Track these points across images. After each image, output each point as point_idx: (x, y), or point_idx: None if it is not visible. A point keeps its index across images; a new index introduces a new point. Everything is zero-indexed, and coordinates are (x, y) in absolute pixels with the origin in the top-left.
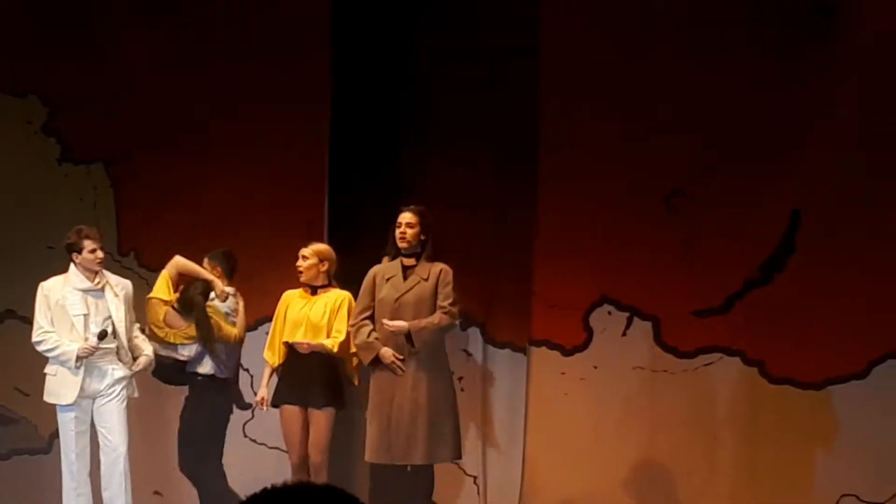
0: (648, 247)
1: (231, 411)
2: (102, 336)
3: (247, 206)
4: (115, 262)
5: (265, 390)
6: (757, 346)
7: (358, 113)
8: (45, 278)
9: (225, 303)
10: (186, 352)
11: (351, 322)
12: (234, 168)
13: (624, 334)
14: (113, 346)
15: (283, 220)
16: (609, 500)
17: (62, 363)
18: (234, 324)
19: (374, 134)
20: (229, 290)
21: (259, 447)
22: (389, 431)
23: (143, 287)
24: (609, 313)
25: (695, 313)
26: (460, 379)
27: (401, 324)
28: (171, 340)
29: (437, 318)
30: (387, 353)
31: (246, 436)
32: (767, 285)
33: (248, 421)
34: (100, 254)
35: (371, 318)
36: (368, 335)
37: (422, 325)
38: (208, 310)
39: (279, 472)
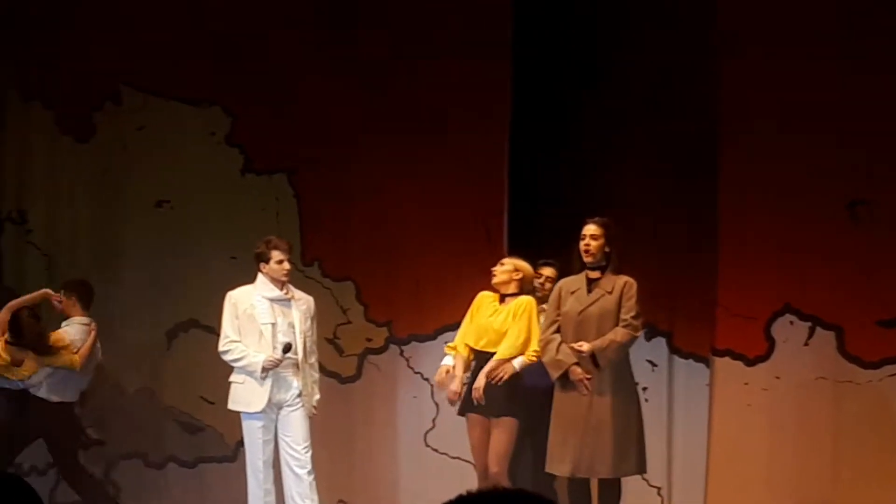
0: (831, 256)
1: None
2: (287, 349)
3: (427, 214)
4: (298, 272)
5: (459, 384)
6: None
7: (539, 123)
8: (227, 288)
9: (74, 331)
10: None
11: (541, 337)
12: (416, 177)
13: (806, 344)
14: (297, 357)
15: (464, 229)
16: None
17: (248, 373)
18: (76, 352)
19: (556, 145)
20: (84, 320)
21: (441, 457)
22: (573, 444)
23: (326, 297)
24: (791, 323)
25: (879, 323)
26: (644, 389)
27: (584, 346)
28: (19, 377)
29: (619, 334)
30: (576, 371)
31: (427, 445)
32: None
33: (429, 430)
34: (287, 265)
35: (559, 331)
36: (557, 350)
37: (604, 346)
38: (54, 336)
39: (462, 482)
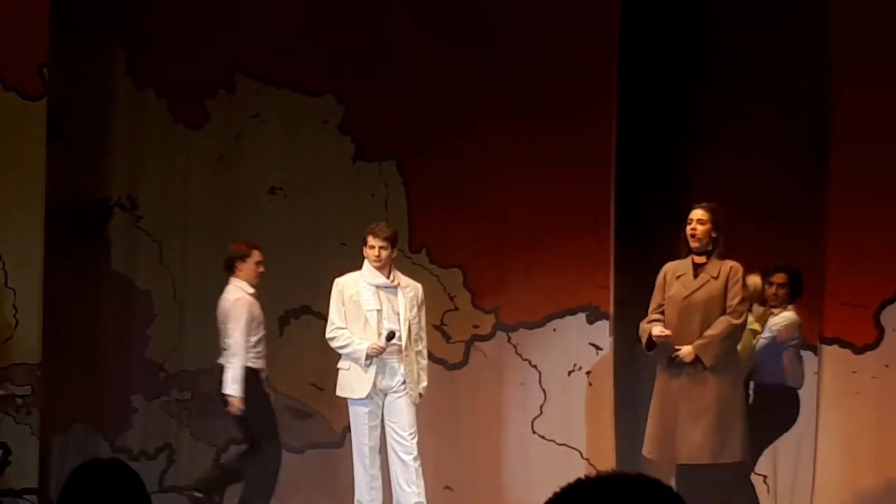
0: None
1: None
2: (391, 337)
3: (535, 202)
4: (406, 259)
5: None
6: None
7: (647, 110)
8: (338, 275)
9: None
10: None
11: (645, 319)
12: (524, 165)
13: None
14: (401, 344)
15: (572, 216)
16: None
17: (353, 360)
18: None
19: (663, 132)
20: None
21: (547, 444)
22: (671, 429)
23: (434, 283)
24: None
25: None
26: None
27: (687, 349)
28: None
29: (720, 326)
30: (655, 329)
31: (535, 432)
32: None
33: (537, 417)
34: (376, 251)
35: (663, 314)
36: (648, 323)
37: (705, 342)
38: None
39: (568, 469)
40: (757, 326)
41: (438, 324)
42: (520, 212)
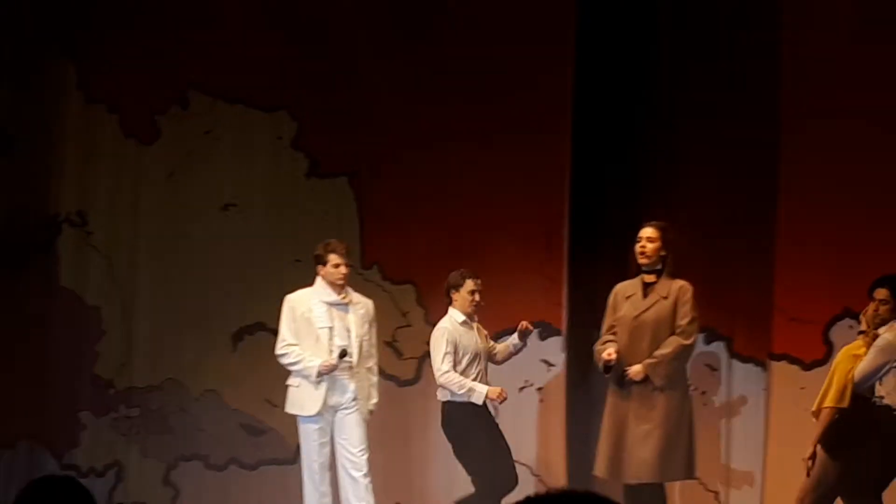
0: (891, 259)
1: None
2: (343, 355)
3: (488, 219)
4: (357, 275)
5: None
6: None
7: (600, 128)
8: (293, 291)
9: None
10: None
11: (599, 341)
12: (477, 182)
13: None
14: (352, 361)
15: (525, 234)
16: None
17: (304, 377)
18: None
19: (616, 151)
20: None
21: None
22: (620, 447)
23: (386, 300)
24: (850, 327)
25: None
26: (703, 393)
27: (636, 369)
28: None
29: (670, 346)
30: (604, 353)
31: None
32: None
33: None
34: (343, 269)
35: (615, 337)
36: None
37: (655, 362)
38: None
39: (518, 485)
40: (863, 352)
41: (390, 340)
42: (472, 228)
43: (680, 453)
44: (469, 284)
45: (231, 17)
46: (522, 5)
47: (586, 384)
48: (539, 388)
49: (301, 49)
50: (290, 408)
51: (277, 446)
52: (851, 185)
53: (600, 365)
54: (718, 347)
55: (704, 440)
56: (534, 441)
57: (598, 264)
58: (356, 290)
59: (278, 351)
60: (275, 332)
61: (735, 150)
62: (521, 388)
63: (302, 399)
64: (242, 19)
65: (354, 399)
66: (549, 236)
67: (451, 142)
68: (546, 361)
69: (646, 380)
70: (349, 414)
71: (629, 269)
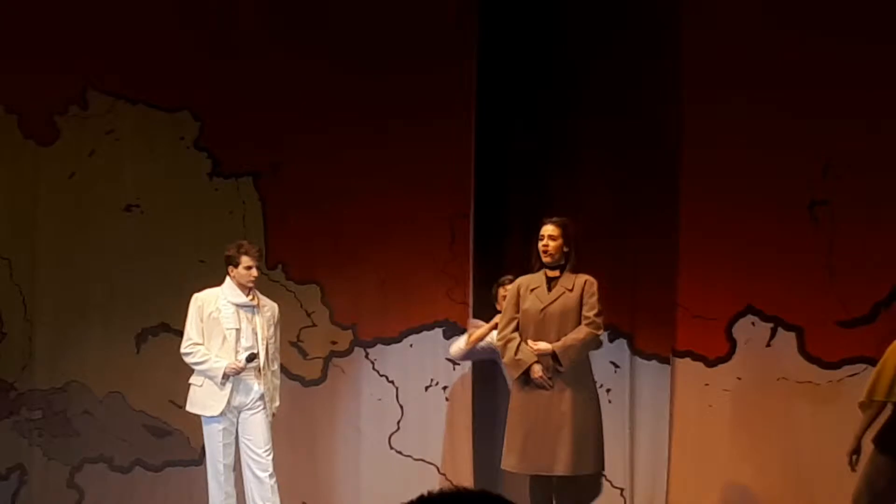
0: (792, 256)
1: None
2: (251, 359)
3: (393, 217)
4: (262, 276)
5: None
6: None
7: (504, 125)
8: (197, 292)
9: None
10: None
11: (499, 335)
12: (381, 181)
13: (768, 345)
14: (259, 363)
15: (429, 233)
16: None
17: (209, 377)
18: None
19: (520, 147)
20: None
21: (404, 459)
22: (532, 441)
23: (290, 299)
24: (753, 324)
25: (840, 323)
26: (608, 391)
27: (545, 346)
28: None
29: (581, 333)
30: (537, 369)
31: (392, 448)
32: None
33: (394, 433)
34: (255, 272)
35: (518, 329)
36: (517, 350)
37: (567, 345)
38: None
39: (425, 484)
40: None
41: (295, 340)
42: (377, 228)
43: (591, 446)
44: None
45: (131, 16)
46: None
47: (492, 382)
48: (445, 387)
49: (202, 48)
50: (192, 407)
51: (182, 448)
52: (754, 182)
53: (516, 373)
54: (621, 345)
55: (609, 437)
56: (440, 439)
57: (503, 264)
58: (261, 290)
59: (184, 349)
60: (179, 334)
61: (638, 147)
62: (427, 387)
63: (205, 399)
64: (143, 18)
65: (260, 399)
66: (454, 234)
67: (353, 140)
68: (451, 360)
69: (553, 375)
70: (254, 414)
71: (532, 265)
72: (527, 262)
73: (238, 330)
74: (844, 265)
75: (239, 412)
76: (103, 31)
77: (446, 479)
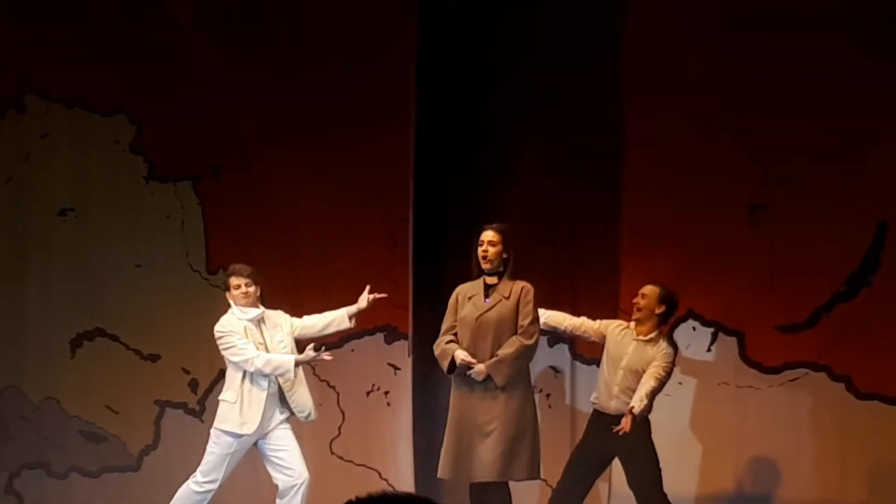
0: (733, 261)
1: None
2: (318, 349)
3: (333, 222)
4: (203, 280)
5: None
6: (844, 362)
7: (444, 131)
8: (133, 297)
9: None
10: None
11: (437, 344)
12: (321, 185)
13: (709, 350)
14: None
15: (369, 237)
16: None
17: (282, 375)
18: None
19: (460, 153)
20: None
21: (346, 464)
22: (463, 448)
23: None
24: (694, 329)
25: (780, 328)
26: (548, 396)
27: (478, 367)
28: None
29: (512, 346)
30: (458, 354)
31: (333, 453)
32: (854, 299)
33: (335, 438)
34: (247, 289)
35: (456, 336)
36: (445, 344)
37: (497, 361)
38: None
39: (367, 489)
40: None
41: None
42: (316, 231)
43: (524, 453)
44: (233, 281)
45: (67, 19)
46: (364, 5)
47: (433, 387)
48: (386, 392)
49: (139, 51)
50: (223, 424)
51: (119, 454)
52: (695, 187)
53: (444, 363)
54: (562, 350)
55: (551, 441)
56: (382, 445)
57: (444, 268)
58: (200, 294)
59: (254, 368)
60: (114, 339)
61: (579, 150)
62: (369, 393)
63: (237, 416)
64: (80, 21)
65: (286, 420)
66: (394, 239)
67: (293, 144)
68: (393, 365)
69: (488, 379)
70: (285, 430)
71: (472, 271)
72: (469, 267)
73: (263, 344)
74: (785, 270)
75: (266, 435)
76: (39, 33)
77: (388, 484)
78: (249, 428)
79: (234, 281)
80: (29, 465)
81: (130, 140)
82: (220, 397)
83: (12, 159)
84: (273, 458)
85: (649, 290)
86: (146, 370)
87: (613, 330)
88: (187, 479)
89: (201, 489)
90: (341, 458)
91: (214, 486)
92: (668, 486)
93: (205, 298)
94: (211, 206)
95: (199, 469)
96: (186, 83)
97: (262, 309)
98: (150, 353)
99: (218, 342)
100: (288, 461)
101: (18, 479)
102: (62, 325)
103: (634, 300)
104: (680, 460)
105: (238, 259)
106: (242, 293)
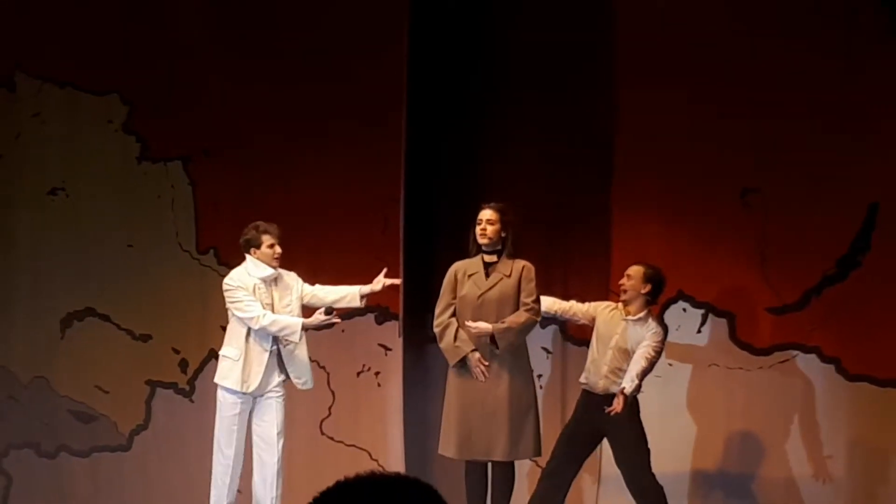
0: (724, 243)
1: None
2: (329, 312)
3: (324, 203)
4: (193, 260)
5: None
6: (833, 343)
7: (436, 112)
8: (124, 277)
9: None
10: None
11: (436, 321)
12: (312, 166)
13: (699, 331)
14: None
15: (360, 218)
16: (683, 498)
17: (287, 336)
18: None
19: (452, 134)
20: None
21: (336, 445)
22: (469, 427)
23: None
24: (684, 310)
25: (770, 310)
26: (539, 377)
27: (484, 326)
28: None
29: (521, 317)
30: (474, 357)
31: (324, 433)
32: (844, 281)
33: (325, 419)
34: (279, 249)
35: (455, 315)
36: (455, 337)
37: (505, 327)
38: None
39: (356, 469)
40: None
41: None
42: (307, 212)
43: (529, 431)
44: (267, 239)
45: None
46: None
47: (423, 368)
48: (377, 373)
49: (132, 31)
50: (224, 380)
51: (109, 433)
52: (686, 169)
53: (453, 361)
54: (553, 331)
55: (542, 423)
56: (372, 425)
57: (435, 249)
58: (190, 274)
59: (259, 325)
60: (105, 318)
61: (572, 133)
62: (359, 373)
63: (239, 373)
64: (72, 1)
65: (280, 385)
66: (386, 220)
67: (285, 125)
68: (383, 346)
69: (490, 362)
70: (273, 398)
71: (465, 251)
72: (460, 247)
73: (270, 304)
74: (776, 252)
75: (260, 396)
76: (31, 12)
77: (378, 464)
78: (250, 386)
79: (267, 239)
80: (18, 445)
81: (123, 120)
82: (221, 353)
83: (3, 138)
84: (253, 427)
85: (634, 270)
86: (137, 350)
87: (603, 310)
88: (177, 459)
89: (226, 459)
90: (331, 438)
91: (231, 451)
92: (658, 466)
93: (195, 279)
94: (202, 186)
95: (215, 440)
96: (179, 64)
97: (277, 270)
98: (142, 334)
99: (225, 294)
100: (265, 437)
101: (7, 459)
102: (52, 305)
103: (620, 282)
104: (670, 441)
105: (229, 239)
106: (277, 253)
